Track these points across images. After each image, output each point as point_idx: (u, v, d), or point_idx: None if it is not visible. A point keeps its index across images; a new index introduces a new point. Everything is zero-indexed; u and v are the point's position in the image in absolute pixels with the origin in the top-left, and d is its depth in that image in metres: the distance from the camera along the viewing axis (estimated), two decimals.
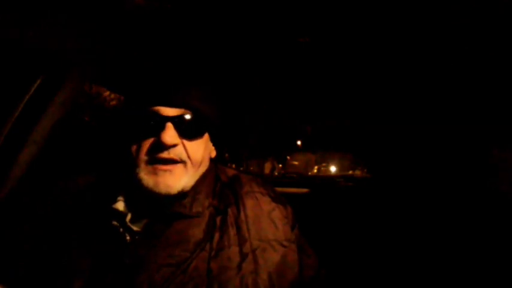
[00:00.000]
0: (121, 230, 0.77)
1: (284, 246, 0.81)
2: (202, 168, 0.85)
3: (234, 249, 0.77)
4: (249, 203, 0.84)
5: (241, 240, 0.78)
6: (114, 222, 0.78)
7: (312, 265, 0.87)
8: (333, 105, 2.19)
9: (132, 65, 1.25)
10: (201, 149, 0.81)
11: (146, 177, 0.76)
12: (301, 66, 1.58)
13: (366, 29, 1.21)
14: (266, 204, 0.85)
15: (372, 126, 2.47)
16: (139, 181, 0.76)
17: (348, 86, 1.82)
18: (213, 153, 0.91)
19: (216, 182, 0.89)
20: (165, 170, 0.76)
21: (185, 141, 0.79)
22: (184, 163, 0.78)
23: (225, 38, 1.30)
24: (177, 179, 0.77)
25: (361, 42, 1.32)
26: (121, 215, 0.79)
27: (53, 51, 1.05)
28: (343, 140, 3.19)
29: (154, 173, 0.76)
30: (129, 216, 0.79)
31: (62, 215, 0.81)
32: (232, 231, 0.79)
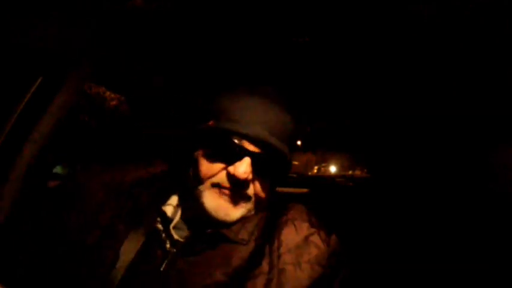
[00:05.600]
0: (163, 235, 0.77)
1: (314, 269, 0.77)
2: (262, 208, 0.83)
3: (262, 277, 0.74)
4: (286, 230, 0.80)
5: (270, 267, 0.75)
6: (159, 226, 0.77)
7: None
8: (333, 105, 2.19)
9: (132, 65, 1.25)
10: (267, 191, 0.80)
11: (208, 200, 0.75)
12: (301, 66, 1.58)
13: (365, 29, 1.21)
14: (304, 229, 0.81)
15: (371, 126, 2.48)
16: (198, 201, 0.75)
17: (347, 86, 1.82)
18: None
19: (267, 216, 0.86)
20: (229, 197, 0.75)
21: (256, 179, 0.77)
22: (249, 199, 0.78)
23: (225, 37, 1.30)
24: (237, 211, 0.77)
25: (361, 42, 1.32)
26: (167, 220, 0.78)
27: (53, 51, 1.05)
28: (343, 140, 3.19)
29: (218, 197, 0.75)
30: (174, 223, 0.78)
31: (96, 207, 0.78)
32: (265, 261, 0.76)
